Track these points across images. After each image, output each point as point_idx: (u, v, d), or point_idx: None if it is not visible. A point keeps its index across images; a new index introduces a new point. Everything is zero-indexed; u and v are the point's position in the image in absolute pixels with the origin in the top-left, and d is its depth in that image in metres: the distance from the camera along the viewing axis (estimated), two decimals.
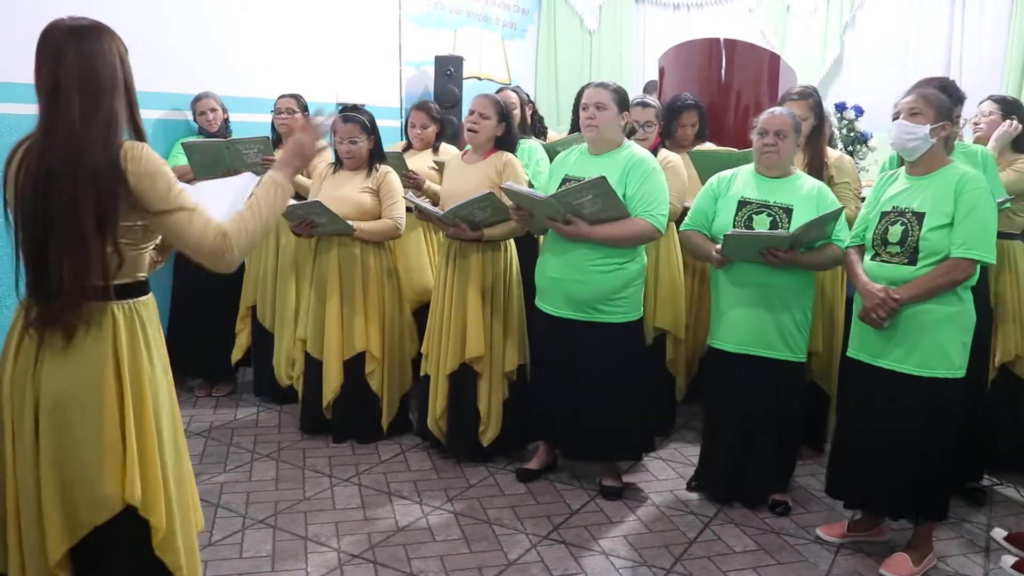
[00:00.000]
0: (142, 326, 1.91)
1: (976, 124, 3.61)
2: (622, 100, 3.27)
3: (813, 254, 3.10)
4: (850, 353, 2.94)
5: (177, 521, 1.94)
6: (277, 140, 4.42)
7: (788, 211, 3.11)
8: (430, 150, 4.55)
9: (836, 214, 3.01)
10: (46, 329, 1.82)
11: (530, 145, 4.25)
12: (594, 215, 3.11)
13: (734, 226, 3.14)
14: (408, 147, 4.57)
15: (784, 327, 3.16)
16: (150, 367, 1.92)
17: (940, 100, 2.74)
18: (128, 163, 1.78)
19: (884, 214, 2.82)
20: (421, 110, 4.58)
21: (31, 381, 1.84)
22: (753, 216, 3.14)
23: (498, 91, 4.35)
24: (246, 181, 2.37)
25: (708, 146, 4.22)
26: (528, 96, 5.39)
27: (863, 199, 3.24)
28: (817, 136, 3.58)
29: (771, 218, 3.11)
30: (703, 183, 3.49)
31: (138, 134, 1.89)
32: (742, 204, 3.18)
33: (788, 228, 3.06)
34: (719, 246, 3.13)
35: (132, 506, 1.86)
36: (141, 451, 1.87)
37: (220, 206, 2.29)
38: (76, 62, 1.78)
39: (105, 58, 1.81)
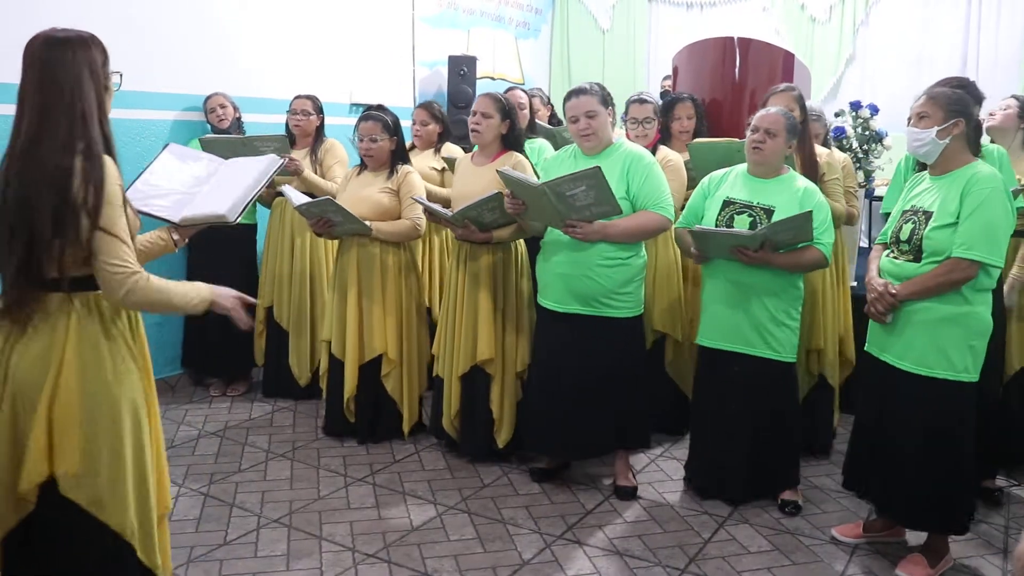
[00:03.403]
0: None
1: (991, 115, 3.58)
2: (604, 98, 3.29)
3: (790, 256, 3.10)
4: (866, 347, 2.95)
5: (130, 506, 1.97)
6: (292, 140, 4.43)
7: (769, 212, 3.11)
8: (432, 150, 4.53)
9: (804, 217, 2.96)
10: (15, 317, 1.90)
11: (539, 144, 4.23)
12: (586, 208, 3.09)
13: (716, 225, 3.16)
14: (412, 147, 4.55)
15: (761, 324, 3.16)
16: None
17: (949, 99, 2.69)
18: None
19: (903, 213, 2.83)
20: (422, 108, 4.56)
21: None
22: (735, 216, 3.16)
23: (506, 91, 4.32)
24: (269, 163, 2.41)
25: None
26: (548, 98, 5.36)
27: (878, 198, 3.22)
28: (804, 134, 3.54)
29: (751, 219, 3.13)
30: (699, 175, 3.48)
31: (106, 143, 1.90)
32: (726, 204, 3.21)
33: None
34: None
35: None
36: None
37: (240, 184, 2.33)
38: (37, 72, 1.84)
39: (68, 68, 1.84)
